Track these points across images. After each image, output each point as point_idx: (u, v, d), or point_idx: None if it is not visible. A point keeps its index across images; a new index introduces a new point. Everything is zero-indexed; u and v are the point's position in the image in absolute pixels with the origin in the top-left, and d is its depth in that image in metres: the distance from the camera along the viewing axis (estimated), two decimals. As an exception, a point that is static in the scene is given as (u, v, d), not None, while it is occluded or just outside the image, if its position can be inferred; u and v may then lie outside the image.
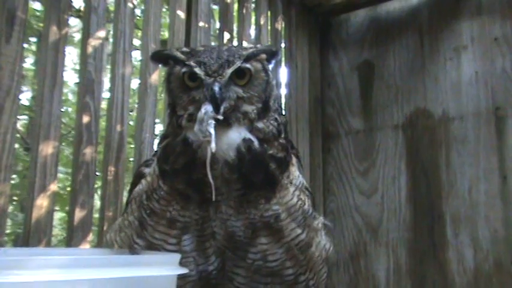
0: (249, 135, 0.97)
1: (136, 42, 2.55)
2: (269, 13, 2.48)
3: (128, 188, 1.31)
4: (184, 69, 0.99)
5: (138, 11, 3.35)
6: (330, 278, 1.96)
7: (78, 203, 1.49)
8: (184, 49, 1.04)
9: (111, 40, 1.75)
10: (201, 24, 2.02)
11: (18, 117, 1.49)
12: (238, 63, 0.97)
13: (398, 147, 2.57)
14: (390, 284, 2.45)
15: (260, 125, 0.99)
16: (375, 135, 2.65)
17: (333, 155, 2.76)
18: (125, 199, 1.35)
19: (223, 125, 0.94)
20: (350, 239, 2.60)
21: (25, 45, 1.40)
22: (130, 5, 1.74)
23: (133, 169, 1.66)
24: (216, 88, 0.93)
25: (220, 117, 0.93)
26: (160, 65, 1.35)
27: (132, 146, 2.14)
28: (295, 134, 2.48)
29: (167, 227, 1.01)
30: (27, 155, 3.91)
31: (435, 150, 2.46)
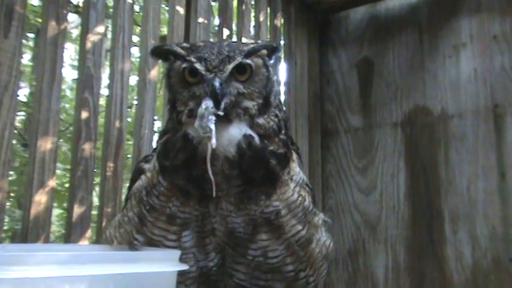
0: (249, 131, 0.96)
1: (135, 38, 2.54)
2: (268, 10, 2.47)
3: (126, 184, 1.30)
4: (184, 65, 0.98)
5: (137, 7, 3.34)
6: (328, 275, 1.96)
7: (76, 199, 1.48)
8: (185, 44, 1.03)
9: (109, 36, 1.74)
10: (200, 20, 2.01)
11: (16, 113, 1.48)
12: (239, 59, 0.96)
13: (397, 145, 2.57)
14: (389, 281, 2.46)
15: (261, 121, 0.98)
16: (374, 132, 2.65)
17: (332, 152, 2.76)
18: (123, 196, 1.35)
19: (223, 120, 0.94)
20: (349, 236, 2.60)
21: (23, 41, 1.39)
22: (129, 0, 1.73)
23: (132, 165, 1.65)
24: (217, 84, 0.93)
25: (221, 113, 0.92)
26: (160, 61, 1.34)
27: (130, 142, 2.13)
28: (294, 131, 2.47)
29: (167, 223, 1.01)
30: (24, 151, 3.90)
31: (434, 147, 2.46)
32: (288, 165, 1.03)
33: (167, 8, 2.27)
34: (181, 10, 1.92)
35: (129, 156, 2.66)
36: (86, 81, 1.55)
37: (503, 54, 2.38)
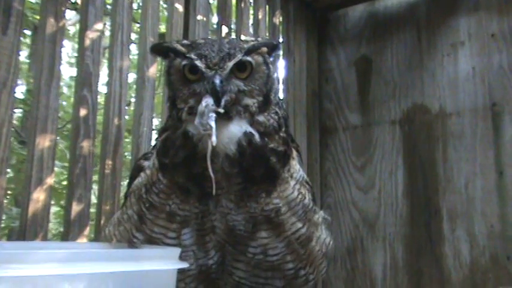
0: (249, 129, 0.96)
1: (134, 36, 2.53)
2: (267, 8, 2.47)
3: (125, 182, 1.30)
4: (184, 62, 0.98)
5: (135, 5, 3.32)
6: (326, 273, 1.96)
7: (75, 197, 1.48)
8: (185, 42, 1.03)
9: (107, 33, 1.74)
10: (199, 17, 2.00)
11: (13, 110, 1.48)
12: (239, 56, 0.96)
13: (396, 143, 2.57)
14: (387, 278, 2.46)
15: (261, 118, 0.98)
16: (372, 130, 2.65)
17: (330, 149, 2.76)
18: (122, 193, 1.35)
19: (224, 118, 0.93)
20: (347, 234, 2.61)
21: (20, 38, 1.38)
22: (128, -3, 1.72)
23: (131, 163, 1.65)
24: (217, 81, 0.92)
25: (221, 110, 0.92)
26: (159, 58, 1.34)
27: (128, 140, 2.13)
28: (293, 129, 2.47)
29: (167, 220, 1.01)
30: (21, 148, 3.88)
31: (432, 145, 2.47)
32: (288, 163, 1.03)
33: (166, 6, 2.26)
34: (180, 8, 1.92)
35: (127, 154, 2.66)
36: (85, 79, 1.55)
37: (501, 52, 2.39)
